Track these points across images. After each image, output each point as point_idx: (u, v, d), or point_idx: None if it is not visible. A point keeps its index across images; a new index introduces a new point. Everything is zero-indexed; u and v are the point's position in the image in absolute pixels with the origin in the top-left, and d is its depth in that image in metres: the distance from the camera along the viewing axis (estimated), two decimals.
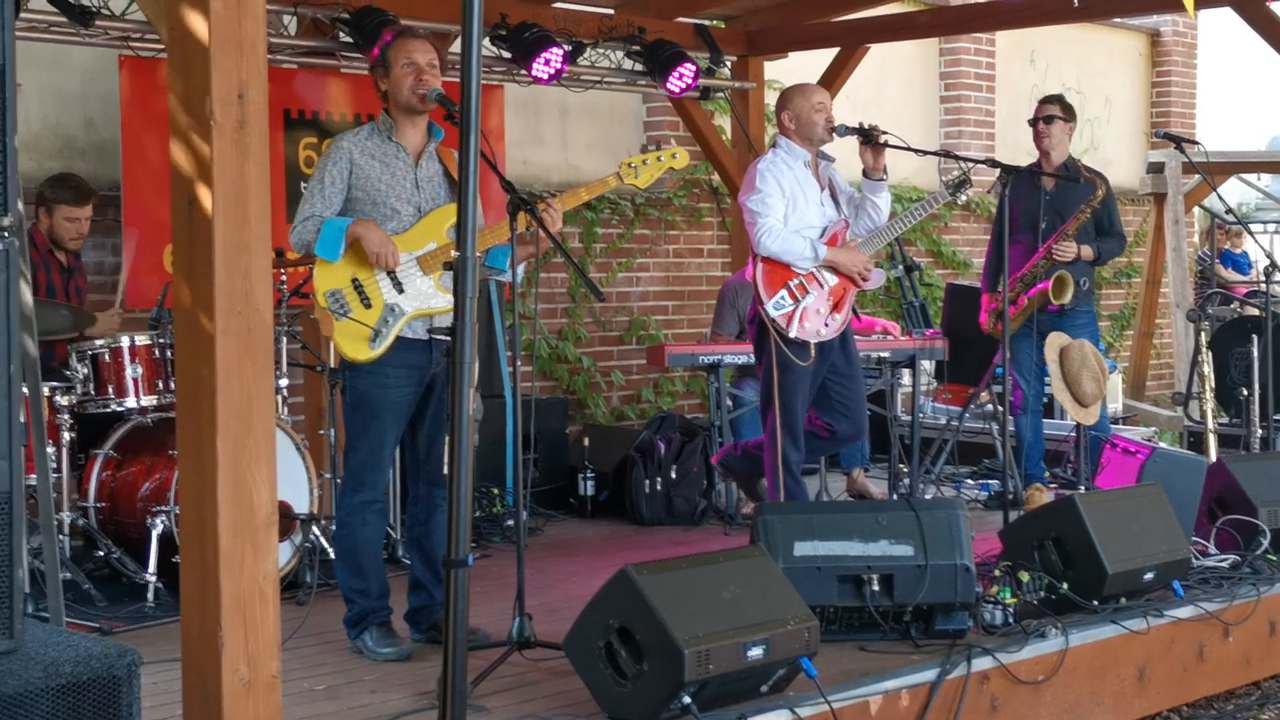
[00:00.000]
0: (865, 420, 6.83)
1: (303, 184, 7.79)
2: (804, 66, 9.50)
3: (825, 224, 6.58)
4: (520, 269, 5.30)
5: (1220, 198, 9.87)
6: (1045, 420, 8.55)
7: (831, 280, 6.55)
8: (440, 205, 5.39)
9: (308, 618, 5.66)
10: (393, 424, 5.36)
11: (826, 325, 6.51)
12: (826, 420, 6.63)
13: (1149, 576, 5.90)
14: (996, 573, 5.65)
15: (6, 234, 3.31)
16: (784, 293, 6.43)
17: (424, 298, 5.30)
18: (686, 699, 4.39)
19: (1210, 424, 7.96)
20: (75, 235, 6.96)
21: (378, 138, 5.38)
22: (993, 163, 7.21)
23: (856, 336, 8.06)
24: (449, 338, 3.69)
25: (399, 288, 5.29)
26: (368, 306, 5.27)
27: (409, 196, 5.35)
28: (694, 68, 8.66)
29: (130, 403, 6.46)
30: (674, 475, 8.17)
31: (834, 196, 6.67)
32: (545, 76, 8.16)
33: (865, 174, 6.57)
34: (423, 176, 5.39)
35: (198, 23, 3.73)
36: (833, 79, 9.33)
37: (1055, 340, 7.36)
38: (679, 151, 5.79)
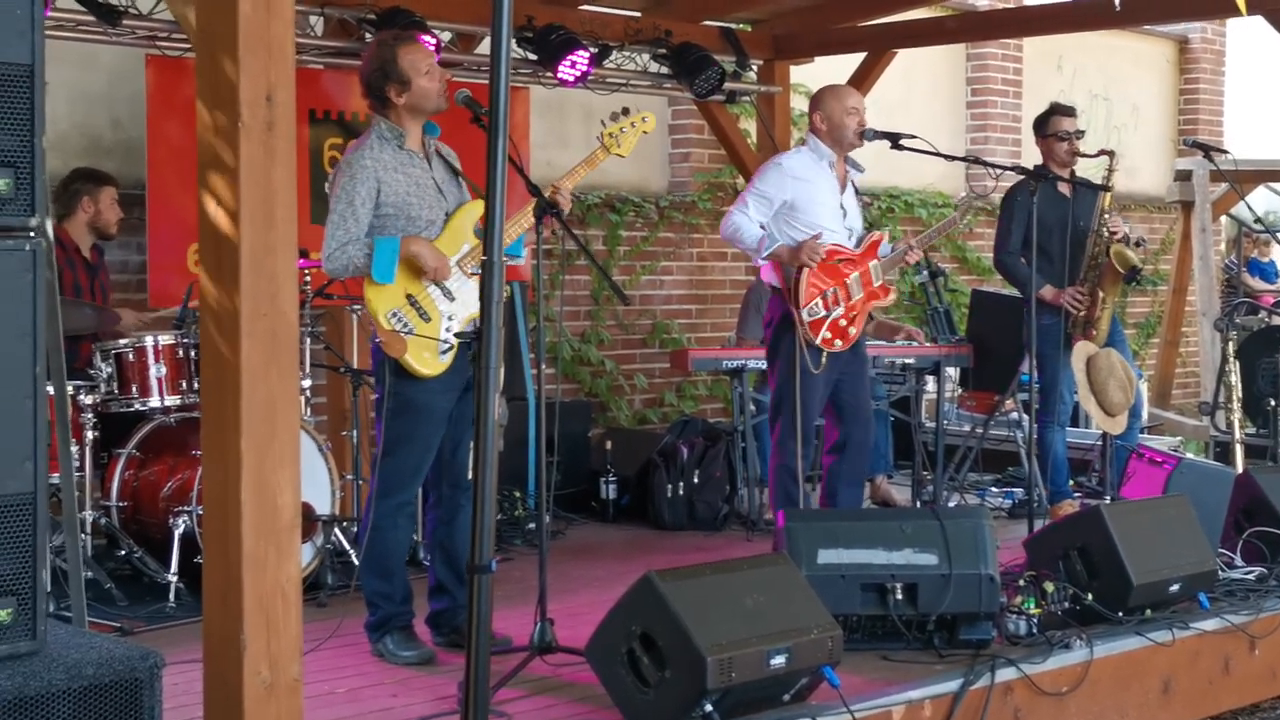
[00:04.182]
0: (872, 423, 6.84)
1: (327, 185, 7.81)
2: (830, 71, 9.46)
3: (841, 229, 6.58)
4: (526, 250, 5.27)
5: (1248, 206, 9.81)
6: (1071, 429, 8.49)
7: (857, 294, 6.57)
8: (459, 205, 5.37)
9: (326, 618, 5.65)
10: (439, 428, 5.33)
11: (844, 339, 6.55)
12: (839, 429, 6.64)
13: (1175, 588, 5.86)
14: (1021, 583, 5.61)
15: (34, 234, 3.30)
16: (819, 300, 6.46)
17: (475, 302, 5.26)
18: (709, 707, 4.37)
19: (1237, 434, 7.91)
20: (119, 218, 7.01)
21: (390, 149, 5.28)
22: (1020, 169, 7.19)
23: (878, 341, 8.10)
24: (473, 340, 3.69)
25: (449, 296, 5.27)
26: (426, 320, 5.25)
27: (437, 204, 5.32)
28: (720, 72, 8.63)
29: (154, 402, 6.46)
30: (696, 480, 8.15)
31: (858, 203, 6.70)
32: (571, 79, 8.14)
33: None
34: (440, 179, 5.36)
35: (226, 24, 3.72)
36: (859, 84, 9.28)
37: (1082, 349, 7.32)
38: (648, 115, 5.74)
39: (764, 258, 6.52)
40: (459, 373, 5.30)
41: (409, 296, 5.24)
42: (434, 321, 5.25)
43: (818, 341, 6.46)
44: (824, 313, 6.48)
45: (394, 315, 5.22)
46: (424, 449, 5.34)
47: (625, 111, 5.69)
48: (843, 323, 6.55)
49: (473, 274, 5.26)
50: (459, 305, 5.29)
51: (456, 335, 5.27)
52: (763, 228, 6.51)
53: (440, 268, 5.20)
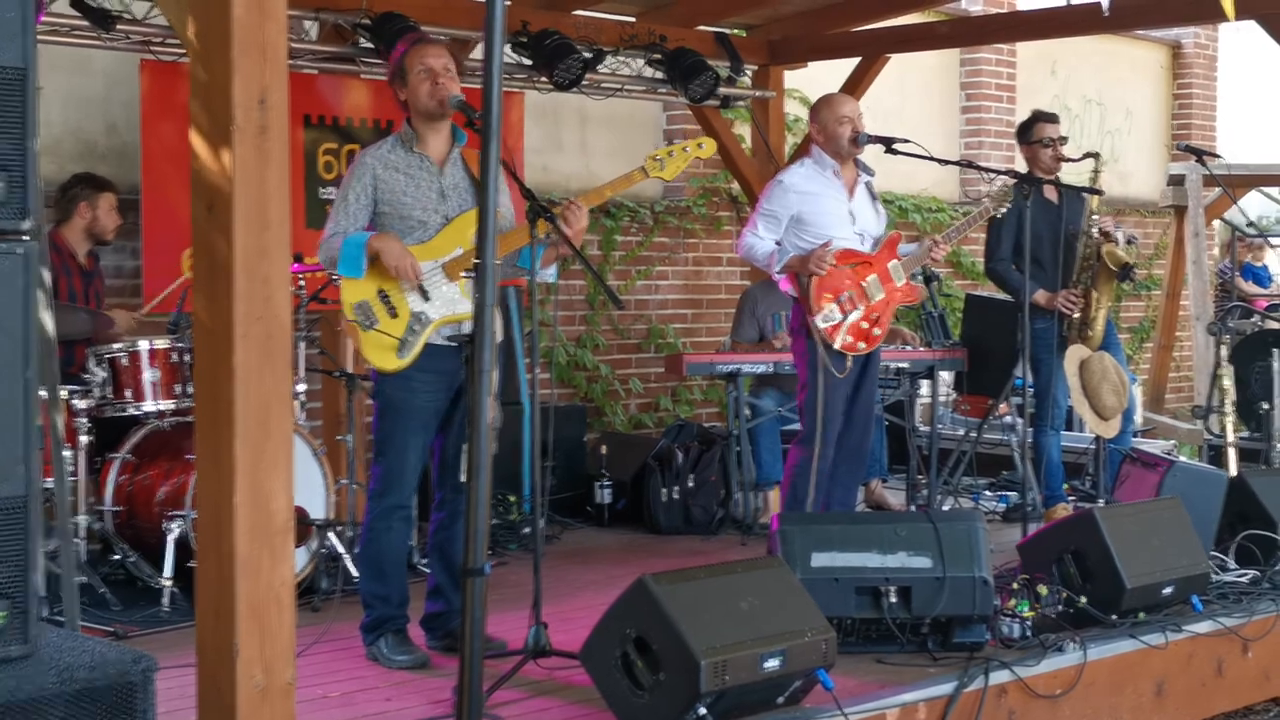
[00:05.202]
0: (871, 428, 6.85)
1: (321, 189, 7.82)
2: (824, 76, 9.49)
3: (851, 234, 6.59)
4: (551, 269, 5.28)
5: (1241, 210, 9.82)
6: (1064, 432, 8.50)
7: (877, 296, 6.58)
8: (465, 211, 5.38)
9: (319, 623, 5.64)
10: (421, 429, 5.34)
11: (867, 340, 6.56)
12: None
13: (1168, 591, 5.87)
14: (1015, 586, 5.62)
15: (26, 237, 3.30)
16: (834, 306, 6.48)
17: (450, 304, 5.29)
18: (703, 710, 4.38)
19: (1230, 438, 7.92)
20: (117, 224, 7.01)
21: (401, 149, 5.37)
22: (1013, 173, 7.20)
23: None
24: (470, 344, 3.69)
25: (425, 296, 5.28)
26: (394, 316, 5.27)
27: (435, 206, 5.34)
28: (714, 77, 8.61)
29: (148, 407, 6.46)
30: (691, 484, 8.16)
31: (872, 206, 6.72)
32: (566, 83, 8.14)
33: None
34: (448, 184, 5.37)
35: (219, 27, 3.72)
36: (853, 89, 9.31)
37: (1075, 353, 7.33)
38: (705, 141, 5.70)
39: (778, 271, 6.55)
40: (443, 373, 5.32)
41: (380, 291, 5.28)
42: (400, 319, 5.27)
43: (838, 346, 6.48)
44: (840, 317, 6.49)
45: (358, 308, 5.27)
46: (408, 450, 5.35)
47: (681, 138, 5.69)
48: (864, 325, 6.56)
49: (465, 276, 5.26)
50: (432, 306, 5.30)
51: (450, 339, 5.28)
52: (778, 244, 6.55)
53: (402, 265, 5.21)
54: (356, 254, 5.22)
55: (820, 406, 6.44)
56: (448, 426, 5.43)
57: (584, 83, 8.27)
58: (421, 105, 5.33)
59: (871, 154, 6.79)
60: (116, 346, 6.46)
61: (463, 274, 5.26)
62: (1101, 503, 7.22)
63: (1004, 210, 7.22)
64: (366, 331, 5.25)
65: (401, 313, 5.27)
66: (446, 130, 5.42)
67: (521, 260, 5.39)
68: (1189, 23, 12.89)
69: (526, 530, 7.63)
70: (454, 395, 5.37)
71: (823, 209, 6.59)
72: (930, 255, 6.84)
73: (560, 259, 5.55)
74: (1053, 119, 7.97)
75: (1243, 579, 6.38)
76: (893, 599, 5.27)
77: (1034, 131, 7.89)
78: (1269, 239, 10.90)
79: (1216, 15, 5.48)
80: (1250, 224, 10.02)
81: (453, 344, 5.30)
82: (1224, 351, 8.24)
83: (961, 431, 8.99)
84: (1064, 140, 7.90)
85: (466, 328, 5.21)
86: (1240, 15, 8.31)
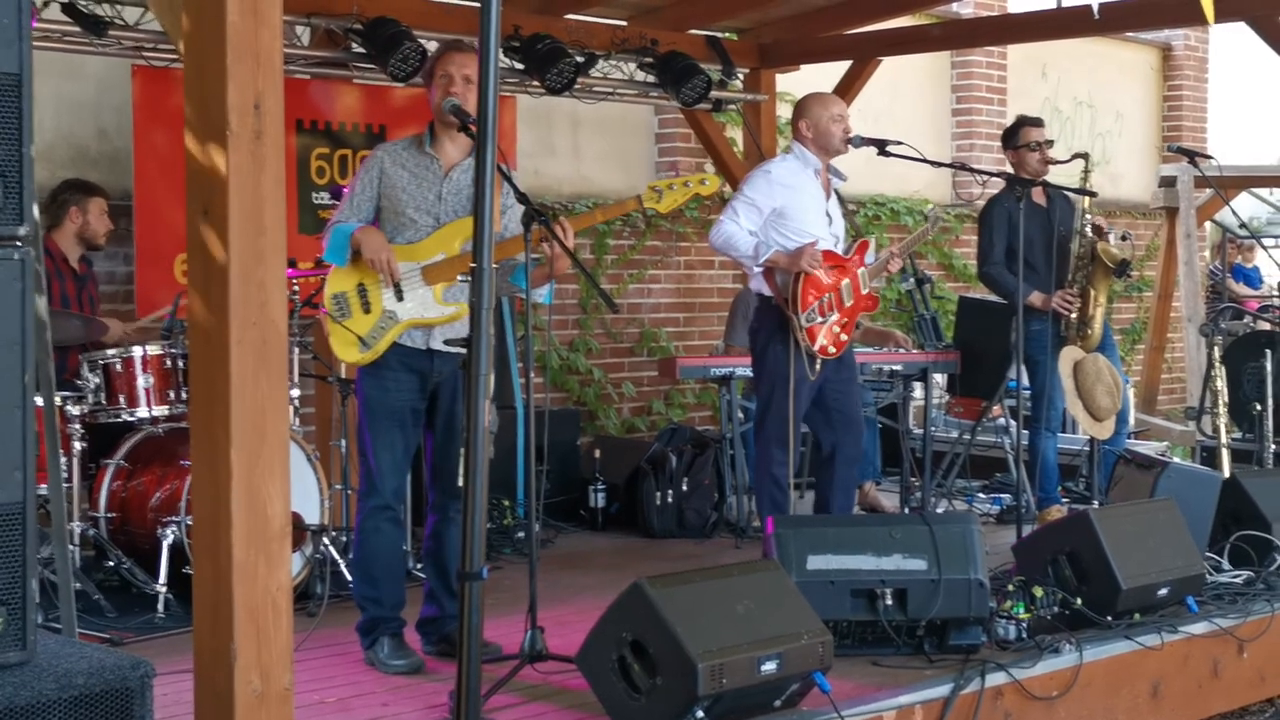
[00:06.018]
0: (863, 429, 6.84)
1: (314, 194, 7.83)
2: (816, 79, 9.49)
3: (828, 235, 6.58)
4: (547, 288, 5.30)
5: (1233, 211, 9.84)
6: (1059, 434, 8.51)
7: (849, 301, 6.57)
8: (459, 218, 5.38)
9: (316, 629, 5.63)
10: (397, 428, 5.35)
11: (837, 345, 6.55)
12: (829, 436, 6.62)
13: (1163, 592, 5.88)
14: (1010, 587, 5.62)
15: (22, 243, 3.30)
16: (816, 306, 6.45)
17: (421, 308, 5.31)
18: (700, 713, 4.38)
19: (1223, 439, 7.93)
20: (108, 229, 7.00)
21: (413, 148, 5.42)
22: (1005, 175, 7.21)
23: (866, 348, 8.11)
24: (463, 349, 3.69)
25: (399, 296, 5.30)
26: (367, 312, 5.30)
27: (429, 208, 5.35)
28: (706, 81, 8.62)
29: (142, 412, 6.45)
30: (685, 487, 8.16)
31: (841, 211, 6.72)
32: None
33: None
34: (449, 189, 5.38)
35: (214, 33, 3.72)
36: (845, 91, 9.32)
37: (1069, 354, 7.34)
38: (709, 177, 5.62)
39: (760, 265, 6.50)
40: (416, 373, 5.34)
41: (360, 286, 5.32)
42: (372, 315, 5.31)
43: (815, 348, 6.46)
44: (820, 319, 6.48)
45: (336, 299, 5.32)
46: (384, 448, 5.35)
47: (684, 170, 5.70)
48: (836, 329, 6.55)
49: (461, 280, 5.25)
50: (403, 308, 5.31)
51: (445, 342, 5.28)
52: (753, 235, 6.51)
53: (378, 258, 5.24)
54: (342, 243, 5.28)
55: (792, 410, 6.42)
56: (431, 432, 5.43)
57: (576, 87, 8.28)
58: (434, 108, 5.38)
59: (863, 156, 6.80)
60: (110, 353, 6.45)
61: (459, 278, 5.25)
62: (1096, 504, 7.22)
63: (939, 225, 7.32)
64: (335, 324, 5.31)
65: (375, 310, 5.31)
66: (465, 137, 5.41)
67: (515, 278, 5.39)
68: (1178, 25, 12.93)
69: (521, 535, 7.63)
70: (430, 395, 5.39)
71: (803, 205, 6.57)
72: (887, 268, 6.89)
73: (550, 279, 5.52)
74: (1037, 123, 7.98)
75: (1237, 580, 6.39)
76: (888, 601, 5.27)
77: (1019, 136, 7.91)
78: (1260, 240, 10.90)
79: (1200, 18, 5.49)
80: (1241, 225, 10.03)
81: (424, 348, 5.33)
82: (1216, 352, 8.25)
83: (954, 434, 9.00)
84: (1050, 143, 7.91)
85: (449, 332, 5.27)
86: (1230, 17, 8.36)
